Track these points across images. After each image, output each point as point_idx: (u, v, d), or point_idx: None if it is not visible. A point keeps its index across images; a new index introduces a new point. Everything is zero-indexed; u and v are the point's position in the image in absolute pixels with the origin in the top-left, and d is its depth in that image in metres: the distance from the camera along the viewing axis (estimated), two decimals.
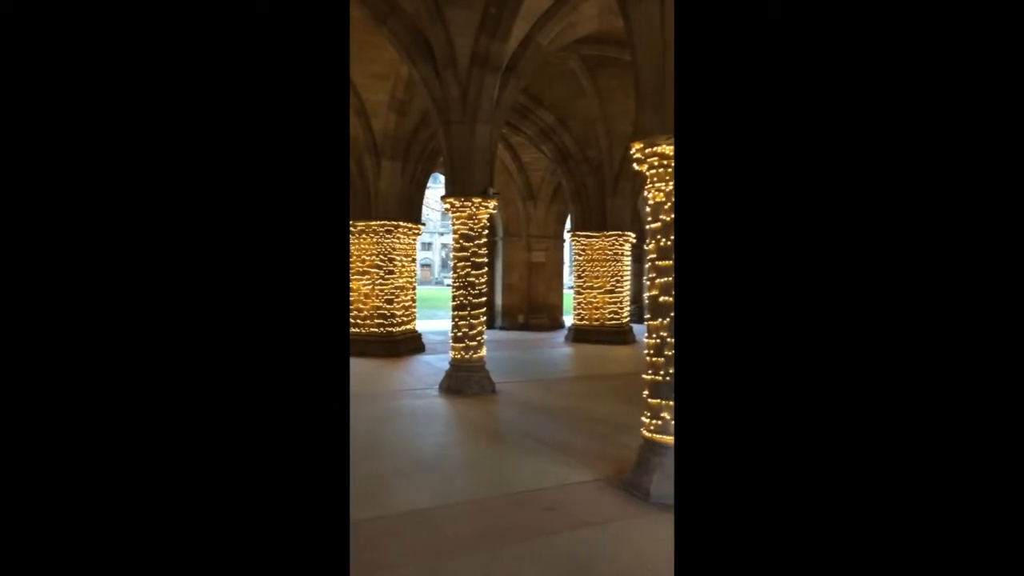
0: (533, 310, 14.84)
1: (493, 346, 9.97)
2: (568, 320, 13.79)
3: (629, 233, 12.02)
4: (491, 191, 7.06)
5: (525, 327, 14.52)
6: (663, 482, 3.77)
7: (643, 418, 4.04)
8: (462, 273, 7.17)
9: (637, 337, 11.95)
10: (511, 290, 14.78)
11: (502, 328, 14.46)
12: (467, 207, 7.04)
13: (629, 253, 12.27)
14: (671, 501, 3.70)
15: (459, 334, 7.17)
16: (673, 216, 3.93)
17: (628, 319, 12.35)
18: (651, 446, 3.95)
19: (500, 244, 14.79)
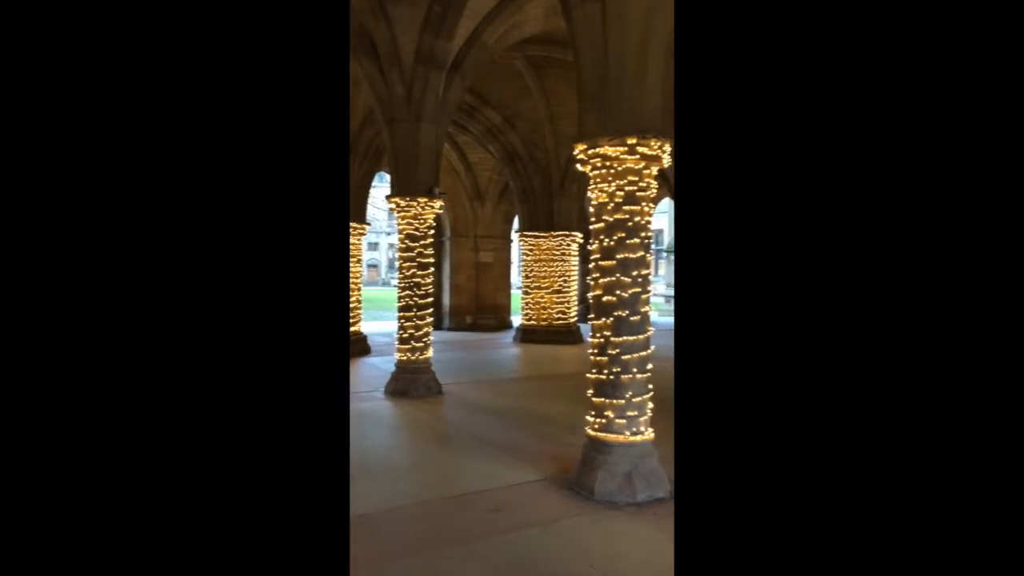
0: (481, 310, 14.79)
1: (440, 347, 9.88)
2: (516, 320, 13.83)
3: (576, 233, 12.16)
4: (437, 191, 6.99)
5: (473, 328, 14.46)
6: (607, 480, 3.81)
7: (588, 417, 4.07)
8: (408, 274, 7.06)
9: (585, 336, 12.11)
10: (459, 291, 14.69)
11: (450, 329, 14.35)
12: (413, 207, 6.94)
13: (576, 253, 12.42)
14: (615, 499, 3.75)
15: (405, 335, 7.06)
16: (616, 217, 3.98)
17: (576, 319, 12.49)
18: (596, 445, 3.99)
19: (447, 244, 14.68)
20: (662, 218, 21.25)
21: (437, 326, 13.73)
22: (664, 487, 3.89)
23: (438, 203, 7.04)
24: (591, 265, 4.19)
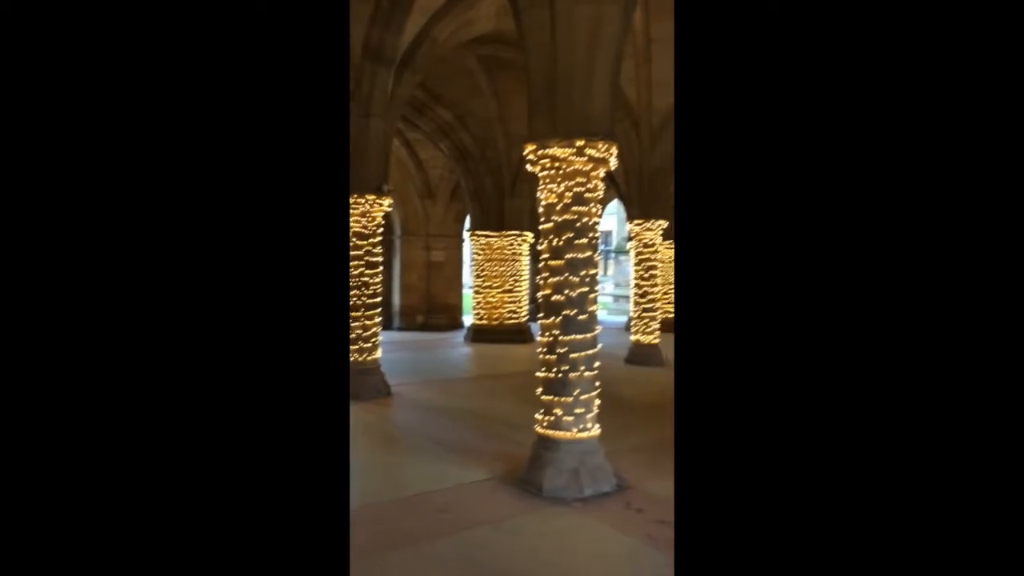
0: (432, 310, 14.67)
1: (390, 347, 9.74)
2: (468, 320, 13.79)
3: (527, 233, 12.21)
4: (386, 188, 6.89)
5: (424, 327, 14.32)
6: (555, 477, 3.86)
7: (537, 415, 4.11)
8: (356, 273, 6.92)
9: (536, 335, 12.17)
10: (409, 290, 14.52)
11: (400, 329, 14.17)
12: (360, 204, 6.81)
13: (527, 253, 12.49)
14: (563, 495, 3.80)
15: (352, 336, 6.93)
16: (565, 217, 4.03)
17: (527, 318, 12.56)
18: (544, 442, 4.03)
19: (398, 243, 14.48)
20: (610, 219, 21.62)
21: (387, 326, 13.51)
22: (609, 481, 3.97)
23: (387, 201, 6.95)
24: (541, 265, 4.23)
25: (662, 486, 4.06)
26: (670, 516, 3.55)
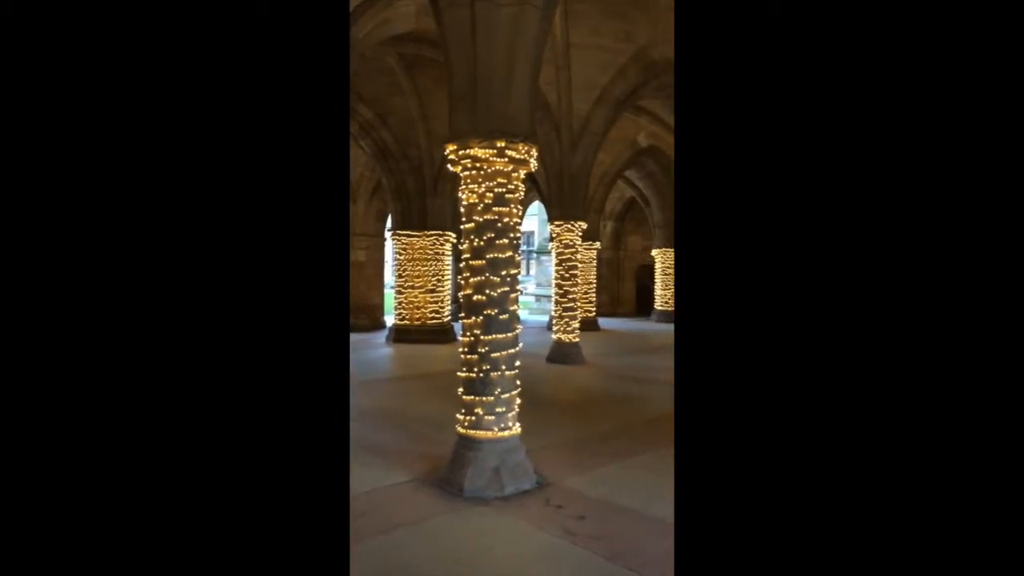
0: (354, 310, 14.29)
1: None
2: (389, 320, 13.55)
3: (450, 233, 12.17)
4: None
5: None
6: (476, 476, 3.88)
7: (458, 415, 4.11)
8: None
9: (458, 335, 12.14)
10: None
11: None
12: None
13: (450, 253, 12.43)
14: (484, 494, 3.82)
15: None
16: (486, 217, 4.06)
17: (449, 318, 12.51)
18: (465, 442, 4.04)
19: None
20: (532, 220, 21.91)
21: None
22: (530, 479, 4.04)
23: None
24: (462, 265, 4.24)
25: (581, 482, 4.17)
26: (588, 512, 3.65)
